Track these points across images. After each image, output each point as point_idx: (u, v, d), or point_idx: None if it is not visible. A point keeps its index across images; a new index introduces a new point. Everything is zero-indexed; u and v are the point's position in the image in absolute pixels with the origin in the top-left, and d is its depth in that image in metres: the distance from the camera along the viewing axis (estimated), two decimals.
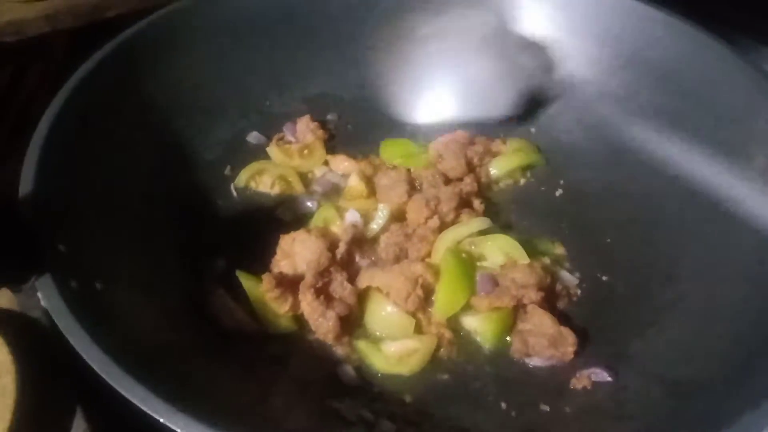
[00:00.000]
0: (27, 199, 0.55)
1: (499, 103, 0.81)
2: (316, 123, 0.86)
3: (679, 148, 0.73)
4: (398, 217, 0.75)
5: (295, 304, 0.65)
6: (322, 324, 0.64)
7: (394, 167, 0.80)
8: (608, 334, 0.67)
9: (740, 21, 0.89)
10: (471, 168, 0.81)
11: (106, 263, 0.58)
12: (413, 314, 0.67)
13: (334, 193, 0.81)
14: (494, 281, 0.68)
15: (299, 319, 0.67)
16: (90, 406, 0.58)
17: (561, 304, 0.70)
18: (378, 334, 0.67)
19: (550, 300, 0.69)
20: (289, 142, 0.85)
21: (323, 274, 0.67)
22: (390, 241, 0.72)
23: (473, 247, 0.72)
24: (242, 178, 0.80)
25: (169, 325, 0.61)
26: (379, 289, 0.67)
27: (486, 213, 0.77)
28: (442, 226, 0.73)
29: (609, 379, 0.62)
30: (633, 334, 0.65)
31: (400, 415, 0.60)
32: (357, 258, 0.71)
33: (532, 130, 0.86)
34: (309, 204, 0.79)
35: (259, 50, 0.84)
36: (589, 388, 0.62)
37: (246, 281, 0.67)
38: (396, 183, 0.76)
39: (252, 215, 0.78)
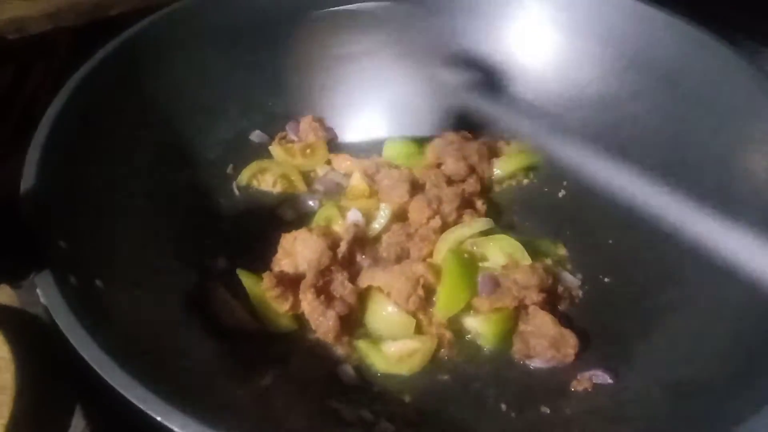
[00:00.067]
0: (28, 196, 0.55)
1: (428, 120, 0.81)
2: (318, 122, 0.86)
3: (681, 148, 0.72)
4: (400, 216, 0.75)
5: (296, 304, 0.65)
6: (323, 323, 0.64)
7: (397, 167, 0.80)
8: (609, 335, 0.67)
9: (742, 22, 0.89)
10: (472, 168, 0.81)
11: (107, 261, 0.58)
12: (414, 314, 0.66)
13: (336, 192, 0.81)
14: (496, 282, 0.68)
15: (300, 319, 0.66)
16: (89, 404, 0.58)
17: (562, 306, 0.70)
18: (378, 334, 0.67)
19: (551, 301, 0.69)
20: (292, 141, 0.85)
21: (324, 273, 0.67)
22: (391, 240, 0.72)
23: (475, 248, 0.72)
24: (244, 176, 0.80)
25: (169, 324, 0.61)
26: (380, 289, 0.67)
27: (488, 213, 0.77)
28: (444, 227, 0.73)
29: (610, 381, 0.62)
30: (634, 336, 0.65)
31: (400, 416, 0.60)
32: (358, 257, 0.71)
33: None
34: (311, 203, 0.79)
35: (261, 49, 0.84)
36: (590, 390, 0.62)
37: (247, 280, 0.67)
38: (398, 183, 0.76)
39: (253, 214, 0.78)
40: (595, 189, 0.60)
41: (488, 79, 0.76)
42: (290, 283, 0.66)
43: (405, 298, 0.65)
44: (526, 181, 0.83)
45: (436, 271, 0.68)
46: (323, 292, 0.65)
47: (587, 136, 0.82)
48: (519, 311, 0.67)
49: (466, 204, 0.76)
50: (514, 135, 0.80)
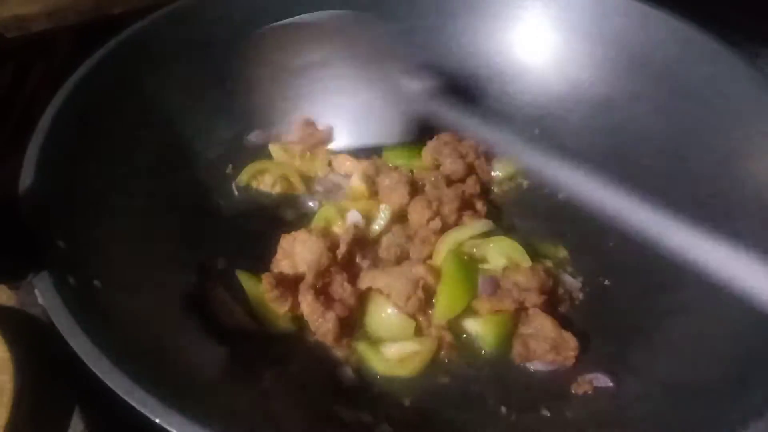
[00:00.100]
0: (27, 196, 0.55)
1: (389, 129, 0.80)
2: (318, 123, 0.85)
3: (680, 148, 0.72)
4: (400, 218, 0.75)
5: (295, 305, 0.65)
6: (322, 325, 0.64)
7: (397, 168, 0.80)
8: (610, 338, 0.66)
9: (742, 23, 0.89)
10: (471, 167, 0.80)
11: (105, 261, 0.58)
12: (414, 316, 0.66)
13: (335, 193, 0.80)
14: (496, 284, 0.68)
15: (299, 320, 0.66)
16: (88, 405, 0.58)
17: (563, 308, 0.70)
18: (378, 335, 0.66)
19: (552, 304, 0.68)
20: (292, 142, 0.85)
21: (324, 274, 0.66)
22: (391, 242, 0.72)
23: (475, 250, 0.71)
24: (244, 177, 0.80)
25: (168, 325, 0.61)
26: (379, 291, 0.67)
27: (488, 215, 0.76)
28: (444, 228, 0.72)
29: (610, 384, 0.62)
30: (635, 339, 0.65)
31: (399, 418, 0.60)
32: (358, 259, 0.71)
33: (536, 131, 0.86)
34: (310, 204, 0.79)
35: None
36: (590, 393, 0.62)
37: (246, 281, 0.67)
38: (398, 184, 0.76)
39: (253, 215, 0.78)
40: (582, 198, 0.60)
41: (452, 85, 0.75)
42: (289, 284, 0.65)
43: (405, 299, 0.65)
44: (526, 182, 0.83)
45: (436, 272, 0.68)
46: (323, 293, 0.65)
47: (587, 137, 0.83)
48: (519, 313, 0.67)
49: (466, 205, 0.76)
50: (484, 142, 0.78)
